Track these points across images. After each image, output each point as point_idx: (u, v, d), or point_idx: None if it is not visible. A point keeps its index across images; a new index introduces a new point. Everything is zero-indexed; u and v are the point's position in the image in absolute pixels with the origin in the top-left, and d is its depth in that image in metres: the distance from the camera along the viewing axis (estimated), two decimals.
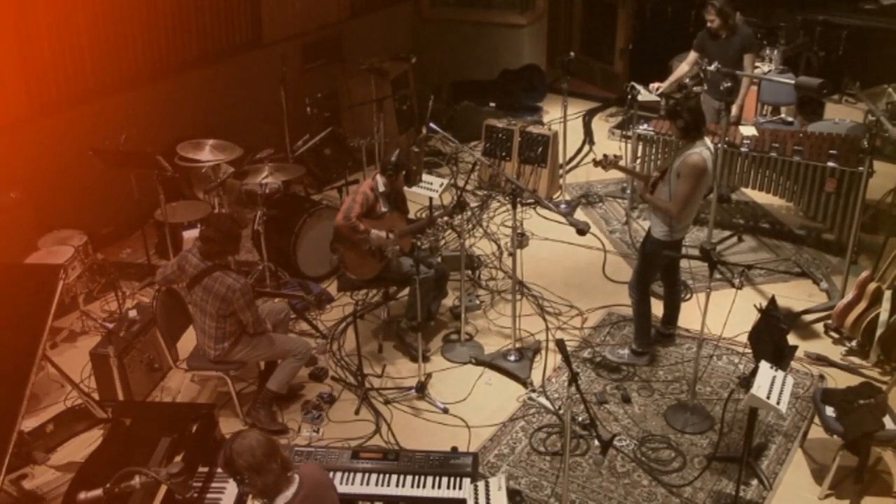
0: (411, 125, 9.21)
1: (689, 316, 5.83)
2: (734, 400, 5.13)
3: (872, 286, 5.58)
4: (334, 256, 5.75)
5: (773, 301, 4.76)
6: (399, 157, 5.65)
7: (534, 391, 5.47)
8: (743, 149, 6.77)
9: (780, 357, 4.41)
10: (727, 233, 7.24)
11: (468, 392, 5.50)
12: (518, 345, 5.79)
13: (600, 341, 5.98)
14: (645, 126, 7.39)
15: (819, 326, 6.04)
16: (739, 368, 5.63)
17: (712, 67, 6.16)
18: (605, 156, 5.55)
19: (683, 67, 7.45)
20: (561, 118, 8.12)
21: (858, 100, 7.91)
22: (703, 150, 5.08)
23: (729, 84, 6.00)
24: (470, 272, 6.66)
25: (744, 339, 5.34)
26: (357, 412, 5.33)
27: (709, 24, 7.01)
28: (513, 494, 4.57)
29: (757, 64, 7.81)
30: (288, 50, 8.10)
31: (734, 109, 6.90)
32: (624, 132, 8.59)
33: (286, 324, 5.62)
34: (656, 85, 7.46)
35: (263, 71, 8.10)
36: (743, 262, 6.66)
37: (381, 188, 5.67)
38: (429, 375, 5.61)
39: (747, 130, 6.89)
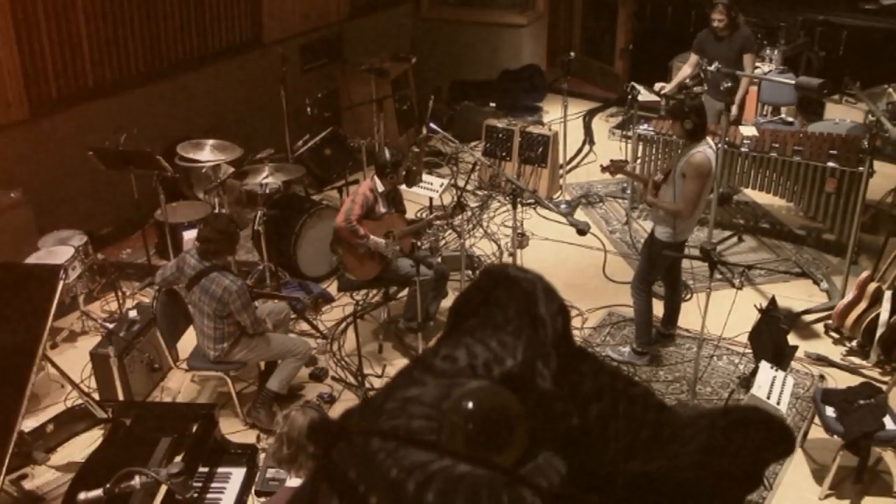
0: (411, 125, 9.20)
1: (690, 316, 5.82)
2: (734, 400, 5.13)
3: (873, 286, 5.58)
4: (334, 257, 5.74)
5: (773, 301, 4.77)
6: (393, 155, 5.63)
7: None
8: (743, 149, 6.76)
9: (781, 357, 4.42)
10: (727, 233, 7.24)
11: None
12: None
13: (601, 341, 5.98)
14: (645, 126, 7.39)
15: (819, 326, 6.03)
16: (740, 368, 5.62)
17: (712, 68, 6.16)
18: (612, 161, 5.54)
19: (686, 70, 7.46)
20: (561, 118, 8.12)
21: (858, 100, 7.90)
22: (706, 150, 5.08)
23: (729, 84, 6.00)
24: (470, 272, 6.65)
25: (744, 339, 5.34)
26: None
27: (716, 23, 6.99)
28: None
29: (757, 64, 7.81)
30: (288, 50, 8.09)
31: (734, 109, 6.90)
32: (624, 132, 8.59)
33: (286, 324, 5.62)
34: (661, 84, 7.45)
35: (263, 71, 8.09)
36: (743, 262, 6.64)
37: (381, 188, 5.67)
38: None
39: (747, 130, 6.88)
